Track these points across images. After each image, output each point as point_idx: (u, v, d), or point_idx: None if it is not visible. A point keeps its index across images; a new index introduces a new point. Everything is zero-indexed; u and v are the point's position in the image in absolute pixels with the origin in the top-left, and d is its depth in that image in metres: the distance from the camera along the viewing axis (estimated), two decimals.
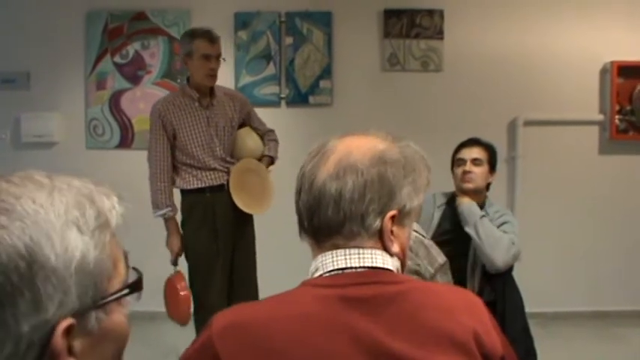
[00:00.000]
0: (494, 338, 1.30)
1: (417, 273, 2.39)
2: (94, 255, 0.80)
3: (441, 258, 2.52)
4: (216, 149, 4.07)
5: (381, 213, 1.34)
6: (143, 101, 5.56)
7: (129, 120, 5.61)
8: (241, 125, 4.29)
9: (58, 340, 0.75)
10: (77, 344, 0.78)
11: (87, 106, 5.63)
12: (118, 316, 0.85)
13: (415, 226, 2.58)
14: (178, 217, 4.13)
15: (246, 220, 4.18)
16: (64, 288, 0.76)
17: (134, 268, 0.90)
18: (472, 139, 3.61)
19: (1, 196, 0.76)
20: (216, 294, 3.96)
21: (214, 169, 4.06)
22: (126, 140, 5.62)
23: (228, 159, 4.14)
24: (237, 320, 1.28)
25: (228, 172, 4.09)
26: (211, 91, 4.12)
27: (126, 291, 0.86)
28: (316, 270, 1.36)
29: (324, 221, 1.34)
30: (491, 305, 3.12)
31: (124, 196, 0.90)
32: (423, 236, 2.52)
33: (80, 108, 5.64)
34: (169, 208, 4.02)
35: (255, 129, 4.35)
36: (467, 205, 3.40)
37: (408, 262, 2.34)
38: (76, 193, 0.82)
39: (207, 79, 4.00)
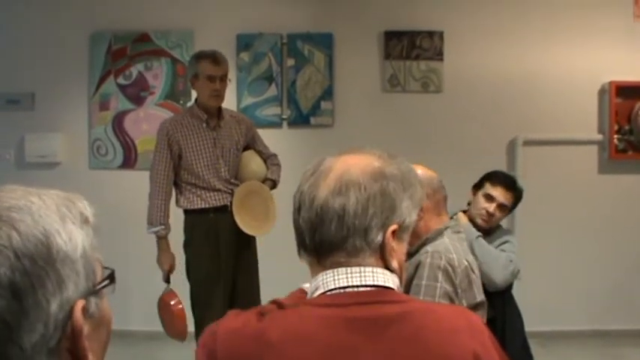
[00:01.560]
0: (493, 357, 1.32)
1: (450, 299, 2.39)
2: (88, 244, 0.88)
3: (480, 296, 2.52)
4: (221, 170, 4.10)
5: (383, 227, 1.35)
6: (146, 122, 5.61)
7: (132, 140, 5.66)
8: (246, 148, 4.33)
9: (79, 317, 0.83)
10: (85, 329, 0.85)
11: (90, 127, 5.68)
12: (106, 304, 0.93)
13: (470, 258, 2.60)
14: (180, 237, 4.13)
15: (249, 242, 4.20)
16: (76, 270, 0.84)
17: (106, 267, 0.96)
18: (511, 180, 3.55)
19: (3, 199, 0.85)
20: (217, 316, 3.92)
21: (219, 190, 4.09)
22: (129, 161, 5.67)
23: (232, 180, 4.16)
24: (242, 329, 1.32)
25: (232, 194, 4.12)
26: (219, 113, 4.17)
27: (108, 281, 0.93)
28: (316, 289, 1.36)
29: (326, 237, 1.34)
30: (490, 323, 3.14)
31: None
32: (472, 270, 2.52)
33: (84, 128, 5.70)
34: (162, 227, 4.03)
35: (258, 152, 4.38)
36: (464, 225, 3.40)
37: (445, 286, 2.36)
38: (56, 196, 0.90)
39: (212, 100, 4.05)
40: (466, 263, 2.47)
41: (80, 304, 0.83)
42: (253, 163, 4.30)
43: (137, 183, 5.38)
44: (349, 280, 1.34)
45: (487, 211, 3.43)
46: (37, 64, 5.67)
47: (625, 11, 5.65)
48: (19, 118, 5.67)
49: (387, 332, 1.28)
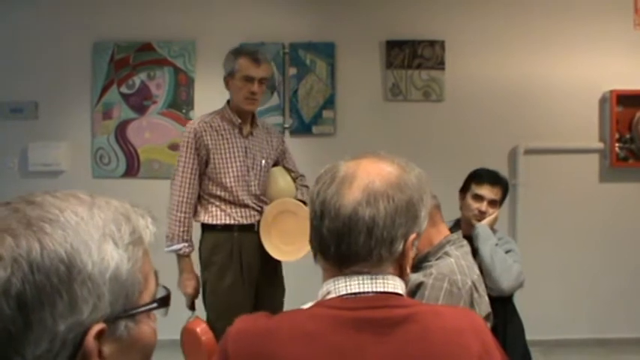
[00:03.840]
0: (496, 357, 1.37)
1: None
2: (127, 267, 0.87)
3: (483, 313, 2.53)
4: (251, 184, 3.68)
5: (405, 236, 1.38)
6: (149, 131, 5.63)
7: (135, 149, 5.68)
8: (274, 164, 3.92)
9: (90, 341, 0.81)
10: (106, 349, 0.84)
11: (93, 136, 5.71)
12: (146, 328, 0.91)
13: (476, 275, 2.59)
14: (194, 256, 3.69)
15: (275, 265, 3.77)
16: (99, 294, 0.82)
17: (163, 286, 0.95)
18: (495, 175, 3.56)
19: (46, 207, 0.84)
20: None
21: (246, 206, 3.65)
22: (132, 169, 5.69)
23: (262, 197, 3.74)
24: (252, 328, 1.35)
25: (260, 212, 3.70)
26: (252, 120, 3.76)
27: (154, 305, 0.91)
28: (328, 293, 1.39)
29: (354, 248, 1.35)
30: (491, 331, 3.15)
31: (157, 218, 0.96)
32: (476, 289, 2.52)
33: (87, 137, 5.72)
34: (186, 244, 3.56)
35: (288, 170, 3.94)
36: (486, 233, 3.40)
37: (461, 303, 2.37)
38: (114, 211, 0.89)
39: (247, 103, 3.61)
40: (470, 283, 2.47)
41: (96, 328, 0.82)
42: (282, 180, 3.84)
43: (140, 192, 5.41)
44: (361, 286, 1.36)
45: (479, 211, 3.46)
46: (40, 74, 5.70)
47: (625, 20, 5.67)
48: (23, 126, 5.70)
49: (393, 333, 1.31)
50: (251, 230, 3.66)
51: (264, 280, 3.74)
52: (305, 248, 3.49)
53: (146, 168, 5.61)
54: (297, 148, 5.58)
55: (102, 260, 0.83)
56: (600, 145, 5.71)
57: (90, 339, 0.81)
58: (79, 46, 5.69)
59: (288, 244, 3.64)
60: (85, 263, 0.81)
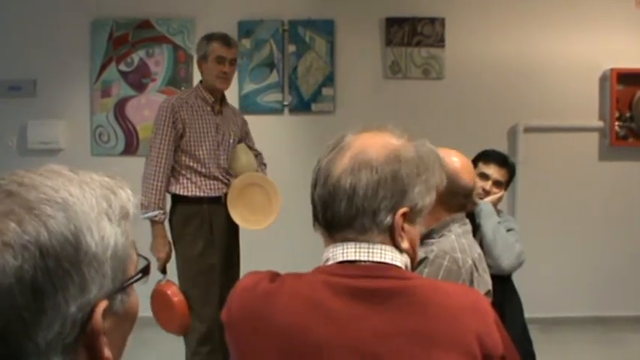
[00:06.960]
0: (495, 338, 1.32)
1: None
2: (121, 242, 0.87)
3: (482, 291, 2.53)
4: (220, 158, 3.95)
5: (393, 210, 1.37)
6: (148, 108, 5.62)
7: (134, 127, 5.67)
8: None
9: (98, 319, 0.82)
10: (106, 324, 0.84)
11: (92, 114, 5.69)
12: (134, 298, 0.92)
13: (477, 254, 2.59)
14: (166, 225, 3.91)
15: (236, 234, 4.07)
16: (103, 272, 0.83)
17: (142, 256, 0.95)
18: (503, 157, 3.55)
19: (41, 189, 0.82)
20: (215, 307, 3.73)
21: (216, 179, 3.93)
22: (131, 147, 5.68)
23: (229, 171, 4.03)
24: (254, 289, 1.38)
25: (227, 185, 3.97)
26: (222, 99, 4.05)
27: (140, 275, 0.92)
28: (327, 260, 1.40)
29: (337, 215, 1.38)
30: None
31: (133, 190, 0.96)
32: (476, 268, 2.52)
33: (85, 115, 5.70)
34: (161, 211, 3.80)
35: (249, 147, 4.24)
36: (489, 210, 3.41)
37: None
38: (99, 186, 0.88)
39: (220, 82, 3.92)
40: (470, 262, 2.47)
41: (102, 305, 0.82)
42: (245, 157, 4.11)
43: (139, 169, 5.38)
44: (357, 254, 1.37)
45: (484, 189, 3.46)
46: (38, 51, 5.67)
47: None
48: (21, 104, 5.68)
49: (390, 304, 1.31)
50: (219, 202, 3.94)
51: (229, 247, 4.02)
52: (269, 219, 3.95)
53: (145, 146, 5.56)
54: (296, 125, 5.60)
55: (102, 238, 0.83)
56: (600, 124, 5.70)
57: (97, 317, 0.81)
58: (77, 23, 5.66)
59: (255, 214, 3.97)
60: (89, 244, 0.81)
